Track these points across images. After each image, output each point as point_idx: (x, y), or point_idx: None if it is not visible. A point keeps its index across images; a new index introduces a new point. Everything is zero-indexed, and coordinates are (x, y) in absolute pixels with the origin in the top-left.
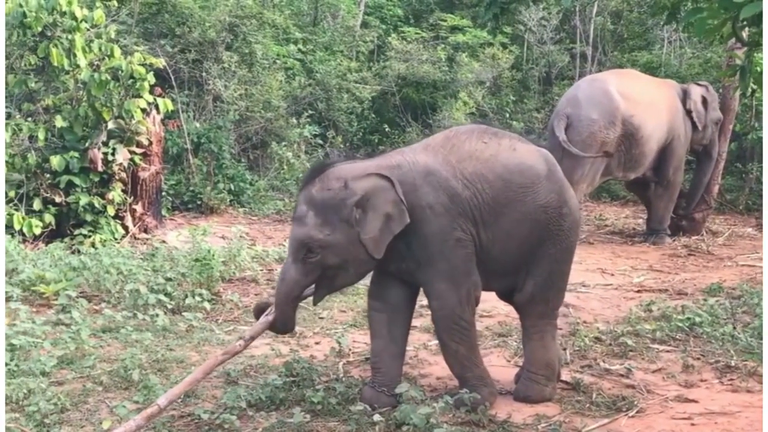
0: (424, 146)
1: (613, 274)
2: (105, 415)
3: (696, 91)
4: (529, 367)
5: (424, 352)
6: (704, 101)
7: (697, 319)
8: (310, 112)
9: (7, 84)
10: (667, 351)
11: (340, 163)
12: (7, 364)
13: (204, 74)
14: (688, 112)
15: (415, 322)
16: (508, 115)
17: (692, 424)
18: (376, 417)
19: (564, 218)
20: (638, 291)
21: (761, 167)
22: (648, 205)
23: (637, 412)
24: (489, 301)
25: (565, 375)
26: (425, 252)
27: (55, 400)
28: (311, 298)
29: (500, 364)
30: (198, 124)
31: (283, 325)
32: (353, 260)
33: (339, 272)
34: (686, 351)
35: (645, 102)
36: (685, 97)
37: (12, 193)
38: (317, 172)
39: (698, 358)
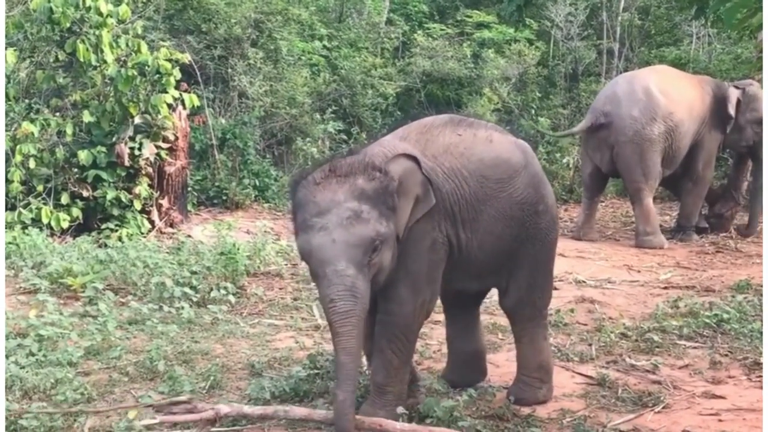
0: (400, 138)
1: (639, 271)
2: (130, 404)
3: (733, 94)
4: (522, 370)
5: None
6: (738, 103)
7: (725, 316)
8: (334, 108)
9: (35, 80)
10: (694, 347)
11: (358, 155)
12: (34, 354)
13: (229, 70)
14: (727, 116)
15: (437, 317)
16: (533, 112)
17: (719, 420)
18: (400, 409)
19: (540, 216)
20: (665, 287)
21: None
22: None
23: (663, 407)
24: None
25: (591, 370)
26: (402, 248)
27: (81, 390)
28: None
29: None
30: (223, 120)
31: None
32: (392, 252)
33: (385, 270)
34: (713, 347)
35: (683, 98)
36: (719, 92)
37: (40, 188)
38: (342, 165)
39: (726, 355)
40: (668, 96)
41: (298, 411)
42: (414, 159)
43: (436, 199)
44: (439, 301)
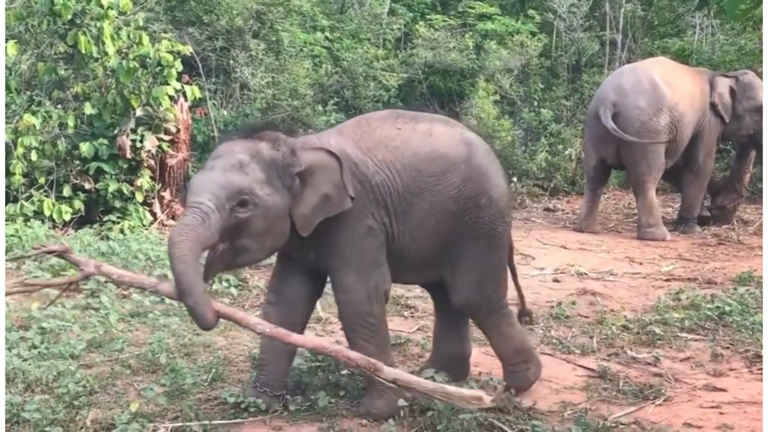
0: (337, 131)
1: (641, 263)
2: (133, 397)
3: (723, 83)
4: (504, 361)
5: None
6: (732, 92)
7: (727, 308)
8: (336, 100)
9: (37, 72)
10: (696, 340)
11: (281, 133)
12: (37, 347)
13: (231, 62)
14: (713, 105)
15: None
16: (536, 103)
17: (721, 413)
18: (401, 402)
19: (483, 210)
20: (667, 280)
21: None
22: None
23: (664, 400)
24: (513, 289)
25: (592, 363)
26: (334, 239)
27: (84, 383)
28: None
29: None
30: (225, 112)
31: (206, 304)
32: (274, 232)
33: (251, 243)
34: (715, 340)
35: (685, 89)
36: (711, 88)
37: (42, 180)
38: (258, 130)
39: (727, 347)
40: (672, 87)
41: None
42: (337, 159)
43: (365, 189)
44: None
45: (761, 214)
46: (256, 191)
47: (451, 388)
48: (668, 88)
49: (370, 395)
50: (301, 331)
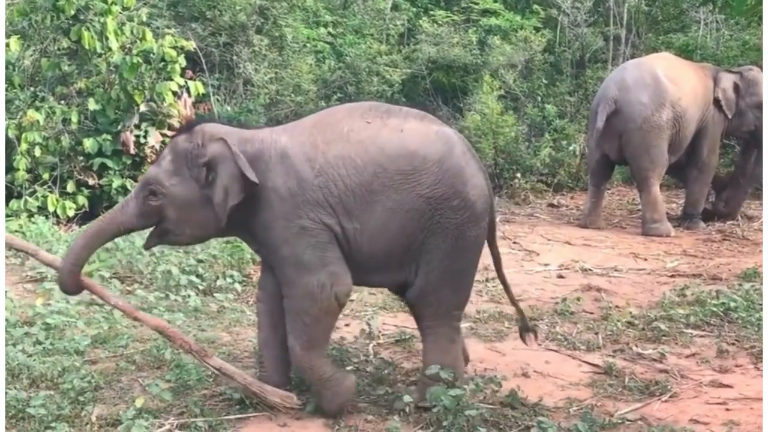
0: (294, 125)
1: (646, 259)
2: (138, 393)
3: (727, 79)
4: (424, 370)
5: None
6: (736, 88)
7: (732, 305)
8: (339, 95)
9: (40, 67)
10: (701, 336)
11: (217, 123)
12: (41, 343)
13: (234, 58)
14: (716, 101)
15: None
16: (540, 99)
17: (727, 410)
18: (406, 398)
19: (456, 211)
20: (671, 276)
21: None
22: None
23: (670, 396)
24: (519, 285)
25: (597, 359)
26: (268, 237)
27: (89, 378)
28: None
29: (531, 348)
30: (228, 108)
31: (70, 273)
32: (192, 221)
33: (173, 228)
34: (721, 336)
35: (689, 85)
36: (715, 84)
37: (46, 176)
38: (194, 124)
39: (733, 344)
40: (675, 82)
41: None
42: (229, 149)
43: (302, 189)
44: None
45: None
46: (162, 181)
47: (268, 387)
48: (671, 83)
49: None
50: (276, 318)
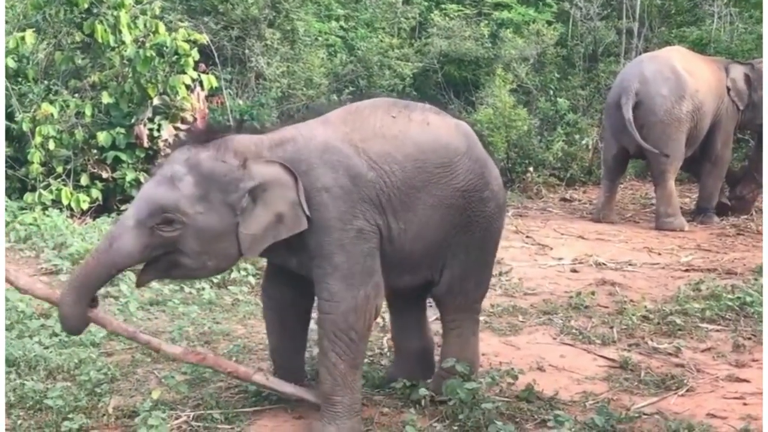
0: (323, 121)
1: (660, 253)
2: (154, 385)
3: (737, 70)
4: (444, 363)
5: None
6: (747, 80)
7: (748, 299)
8: (351, 89)
9: (54, 61)
10: (717, 330)
11: (240, 136)
12: (58, 335)
13: (247, 51)
14: (728, 91)
15: None
16: (552, 93)
17: (744, 404)
18: (422, 391)
19: (486, 203)
20: (686, 270)
21: None
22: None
23: (686, 390)
24: (533, 279)
25: (613, 353)
26: (320, 243)
27: (105, 370)
28: None
29: (546, 342)
30: (241, 101)
31: (70, 318)
32: (217, 253)
33: (190, 262)
34: (737, 330)
35: (704, 77)
36: (726, 75)
37: (60, 169)
38: (214, 134)
39: (749, 338)
40: (693, 74)
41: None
42: (292, 175)
43: (356, 186)
44: None
45: None
46: (184, 209)
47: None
48: (689, 75)
49: (323, 417)
50: (305, 326)
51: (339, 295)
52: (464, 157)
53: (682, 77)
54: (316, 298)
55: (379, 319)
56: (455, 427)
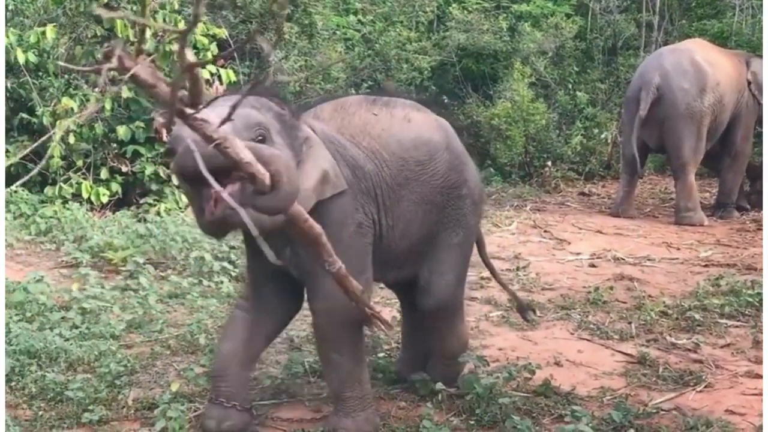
0: (313, 115)
1: (679, 248)
2: (173, 377)
3: (758, 63)
4: (443, 354)
5: (484, 323)
6: None
7: None
8: (369, 83)
9: (74, 55)
10: (737, 326)
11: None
12: (78, 327)
13: (265, 45)
14: (748, 83)
15: (474, 294)
16: (570, 86)
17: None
18: (439, 386)
19: (463, 200)
20: (705, 265)
21: None
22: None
23: (705, 387)
24: (551, 273)
25: (631, 348)
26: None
27: (124, 362)
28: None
29: (563, 337)
30: None
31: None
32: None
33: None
34: (756, 326)
35: (724, 70)
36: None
37: (80, 163)
38: (271, 90)
39: None
40: (714, 66)
41: None
42: (320, 140)
43: (359, 178)
44: None
45: None
46: (272, 134)
47: None
48: (710, 67)
49: (337, 413)
50: (270, 338)
51: (334, 294)
52: (444, 153)
53: (703, 70)
54: (307, 298)
55: (396, 314)
56: (472, 422)
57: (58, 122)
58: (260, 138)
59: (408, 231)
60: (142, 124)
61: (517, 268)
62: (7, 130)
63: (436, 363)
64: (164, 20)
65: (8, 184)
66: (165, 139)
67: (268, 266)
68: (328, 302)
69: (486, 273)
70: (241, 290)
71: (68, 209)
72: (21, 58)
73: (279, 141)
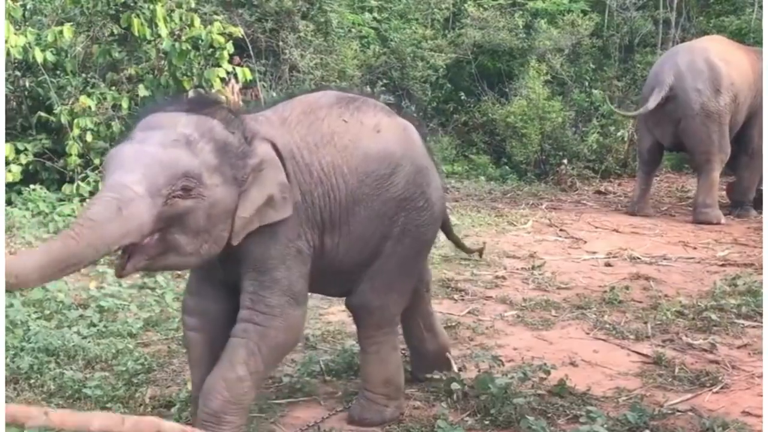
0: (280, 119)
1: (695, 248)
2: (190, 375)
3: None
4: (366, 385)
5: (500, 323)
6: None
7: None
8: (384, 81)
9: (91, 54)
10: (754, 327)
11: (238, 109)
12: (95, 325)
13: (280, 43)
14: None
15: (489, 293)
16: (587, 84)
17: None
18: (454, 385)
19: (420, 212)
20: (722, 265)
21: None
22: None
23: (721, 387)
24: (567, 273)
25: (647, 349)
26: (264, 253)
27: (142, 361)
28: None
29: (579, 337)
30: (275, 94)
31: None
32: (215, 235)
33: (186, 242)
34: None
35: (741, 68)
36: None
37: (97, 161)
38: (218, 103)
39: None
40: (729, 64)
41: None
42: (279, 154)
43: (307, 204)
44: None
45: None
46: (204, 180)
47: None
48: (725, 65)
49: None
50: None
51: (278, 310)
52: (407, 164)
53: (717, 69)
54: (242, 307)
55: None
56: (487, 422)
57: (75, 120)
58: (181, 192)
59: (354, 246)
60: None
61: (533, 267)
62: (26, 129)
63: (360, 394)
64: (180, 19)
65: (27, 182)
66: None
67: (213, 277)
68: (268, 317)
69: (501, 273)
70: (185, 307)
71: None
72: (39, 57)
73: (213, 181)
